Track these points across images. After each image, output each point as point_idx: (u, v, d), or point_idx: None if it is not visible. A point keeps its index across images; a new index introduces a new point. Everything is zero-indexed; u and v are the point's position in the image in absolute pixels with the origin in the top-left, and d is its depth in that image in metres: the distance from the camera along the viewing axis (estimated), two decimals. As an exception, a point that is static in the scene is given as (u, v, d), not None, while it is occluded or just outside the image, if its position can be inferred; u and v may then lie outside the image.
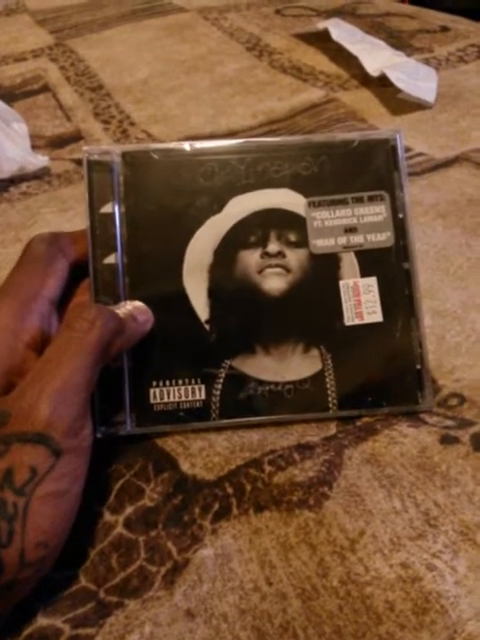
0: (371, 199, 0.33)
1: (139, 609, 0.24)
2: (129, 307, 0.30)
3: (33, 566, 0.22)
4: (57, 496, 0.23)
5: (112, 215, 0.31)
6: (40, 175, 0.56)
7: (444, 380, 0.33)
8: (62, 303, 0.31)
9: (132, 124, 0.63)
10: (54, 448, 0.23)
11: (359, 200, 0.32)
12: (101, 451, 0.29)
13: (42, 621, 0.24)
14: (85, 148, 0.32)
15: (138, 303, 0.30)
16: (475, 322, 0.37)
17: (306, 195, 0.32)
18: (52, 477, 0.23)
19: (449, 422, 0.31)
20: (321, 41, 0.75)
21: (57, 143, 0.61)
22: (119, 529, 0.27)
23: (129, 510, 0.27)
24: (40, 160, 0.56)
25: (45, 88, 0.72)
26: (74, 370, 0.24)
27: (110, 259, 0.31)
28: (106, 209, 0.32)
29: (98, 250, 0.31)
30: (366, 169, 0.33)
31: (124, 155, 0.32)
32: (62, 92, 0.70)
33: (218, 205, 0.32)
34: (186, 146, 0.32)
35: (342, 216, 0.32)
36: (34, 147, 0.59)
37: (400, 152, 0.33)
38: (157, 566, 0.25)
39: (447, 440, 0.29)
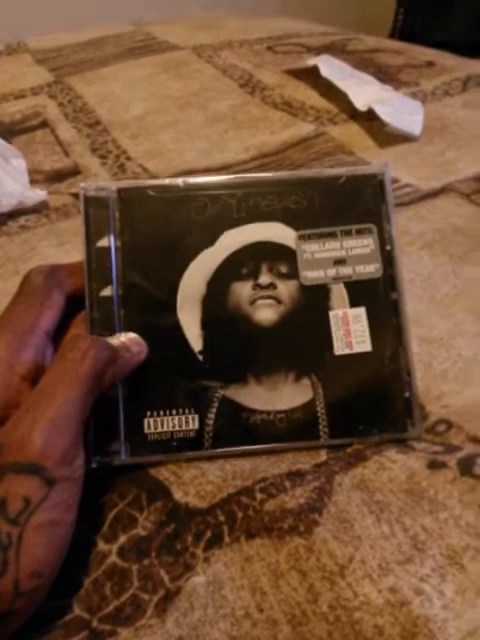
0: (359, 232, 0.34)
1: (132, 637, 0.24)
2: (123, 338, 0.30)
3: (28, 596, 0.23)
4: (51, 525, 0.24)
5: (108, 249, 0.32)
6: (38, 209, 0.57)
7: (431, 406, 0.34)
8: (58, 334, 0.31)
9: (129, 159, 0.65)
10: (47, 478, 0.24)
11: (348, 233, 0.34)
12: (95, 480, 0.29)
13: (36, 650, 0.24)
14: (82, 184, 0.33)
15: (132, 334, 0.31)
16: (461, 348, 0.38)
17: (296, 228, 0.33)
18: (45, 507, 0.23)
19: (437, 448, 0.31)
20: (311, 77, 0.78)
21: (55, 178, 0.63)
22: (113, 558, 0.27)
23: (122, 539, 0.28)
24: (38, 194, 0.57)
25: (44, 124, 0.74)
26: (67, 400, 0.25)
27: (106, 292, 0.32)
28: (102, 243, 0.33)
29: (94, 283, 0.32)
30: (354, 203, 0.34)
31: (119, 191, 0.33)
32: (60, 128, 0.72)
33: (211, 239, 0.33)
34: (179, 182, 0.34)
35: (331, 248, 0.33)
36: (33, 182, 0.61)
37: (387, 186, 0.34)
38: (150, 594, 0.26)
39: (435, 465, 0.30)
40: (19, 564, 0.22)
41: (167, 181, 0.34)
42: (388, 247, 0.33)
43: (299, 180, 0.34)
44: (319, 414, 0.32)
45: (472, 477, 0.29)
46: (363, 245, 0.33)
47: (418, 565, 0.25)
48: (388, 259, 0.33)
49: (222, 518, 0.28)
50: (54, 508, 0.24)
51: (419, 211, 0.51)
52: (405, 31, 1.85)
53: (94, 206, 0.33)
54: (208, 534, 0.28)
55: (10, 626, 0.23)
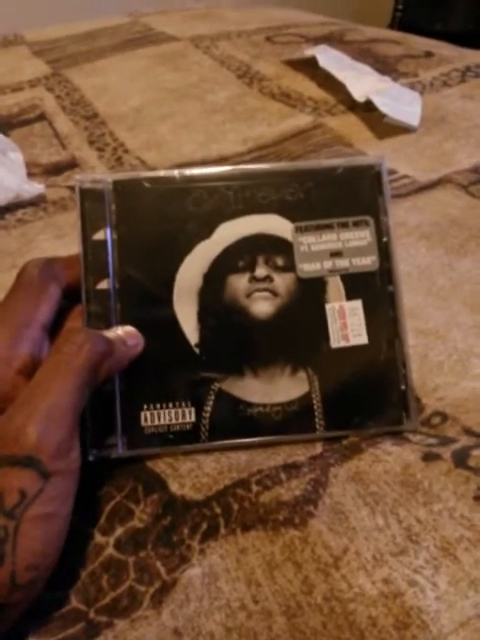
0: (356, 224, 0.33)
1: (128, 628, 0.24)
2: (119, 331, 0.30)
3: (24, 588, 0.23)
4: (47, 518, 0.24)
5: (104, 242, 0.32)
6: (36, 202, 0.57)
7: (427, 399, 0.34)
8: (55, 328, 0.31)
9: (126, 151, 0.64)
10: (42, 471, 0.24)
11: (344, 225, 0.33)
12: (92, 473, 0.29)
13: (33, 642, 0.24)
14: (77, 177, 0.33)
15: (128, 327, 0.31)
16: (457, 341, 0.38)
17: (293, 220, 0.33)
18: (41, 500, 0.23)
19: (432, 440, 0.31)
20: (309, 67, 0.77)
21: (53, 171, 0.63)
22: (109, 550, 0.27)
23: (119, 531, 0.28)
24: (36, 188, 0.57)
25: (41, 117, 0.74)
26: (62, 393, 0.25)
27: (102, 285, 0.32)
28: (98, 236, 0.32)
29: (90, 276, 0.32)
30: (351, 195, 0.34)
31: (115, 184, 0.33)
32: (58, 121, 0.72)
33: (207, 231, 0.33)
34: (176, 174, 0.33)
35: (328, 241, 0.33)
36: (30, 175, 0.61)
37: (384, 178, 0.34)
38: (146, 586, 0.26)
39: (429, 457, 0.30)
40: (15, 557, 0.23)
41: (163, 173, 0.34)
42: (385, 239, 0.33)
43: (296, 171, 0.34)
44: (315, 407, 0.32)
45: (467, 469, 0.29)
46: (360, 237, 0.33)
47: (412, 557, 0.25)
48: (385, 251, 0.33)
49: (218, 510, 0.28)
50: (50, 501, 0.24)
51: (416, 202, 0.51)
52: (404, 23, 1.83)
53: (90, 199, 0.33)
54: (204, 526, 0.28)
55: (6, 619, 0.23)
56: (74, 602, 0.26)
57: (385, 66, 0.78)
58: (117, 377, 0.31)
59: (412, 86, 0.72)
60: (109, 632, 0.24)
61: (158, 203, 0.33)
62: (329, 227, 0.33)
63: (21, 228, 0.54)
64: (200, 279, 0.33)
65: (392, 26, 1.86)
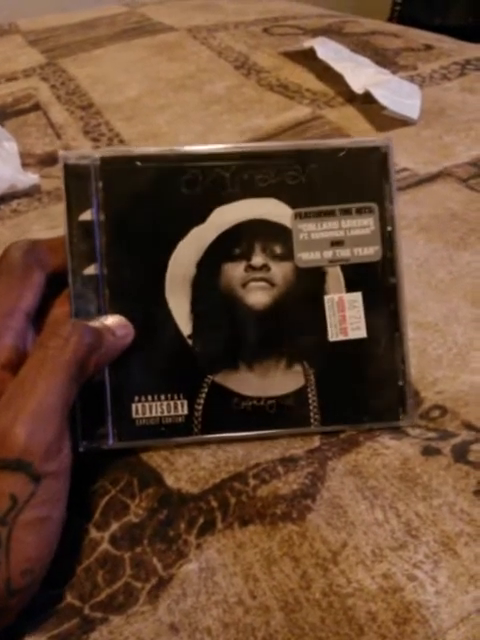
0: (359, 211, 0.32)
1: (123, 624, 0.24)
2: (108, 321, 0.29)
3: (20, 593, 0.22)
4: (40, 522, 0.23)
5: (91, 223, 0.30)
6: (30, 193, 0.56)
7: (426, 392, 0.34)
8: (40, 315, 0.30)
9: (122, 142, 0.64)
10: (33, 474, 0.23)
11: (347, 212, 0.32)
12: (86, 467, 0.29)
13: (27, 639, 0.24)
14: (62, 152, 0.30)
15: (117, 317, 0.30)
16: (456, 335, 0.37)
17: (293, 206, 0.31)
18: (33, 504, 0.23)
19: (431, 434, 0.31)
20: (308, 59, 0.76)
21: (47, 161, 0.62)
22: (105, 546, 0.27)
23: (114, 526, 0.27)
24: (30, 178, 0.56)
25: (36, 107, 0.73)
26: (49, 391, 0.24)
27: (89, 270, 0.30)
28: (85, 217, 0.30)
29: (76, 260, 0.30)
30: (355, 179, 0.32)
31: (103, 160, 0.31)
32: (52, 111, 0.71)
33: (202, 215, 0.31)
34: (169, 151, 0.31)
35: (329, 228, 0.32)
36: (24, 165, 0.60)
37: (390, 162, 0.32)
38: (142, 582, 0.25)
39: (429, 451, 0.30)
40: (9, 564, 0.22)
41: (155, 150, 0.31)
42: (389, 228, 0.32)
43: (297, 152, 0.32)
44: (310, 401, 0.31)
45: (466, 464, 0.29)
46: (363, 226, 0.32)
47: (412, 551, 0.25)
48: (388, 241, 0.32)
49: (215, 504, 0.28)
50: (42, 504, 0.23)
51: (416, 195, 0.50)
52: (403, 17, 1.82)
53: (76, 176, 0.30)
54: (201, 520, 0.27)
55: (2, 623, 0.23)
56: (69, 598, 0.25)
57: (384, 59, 0.78)
58: (107, 367, 0.30)
59: (411, 79, 0.71)
60: (104, 628, 0.24)
61: (149, 183, 0.31)
62: (331, 214, 0.32)
63: (15, 219, 0.53)
64: (193, 267, 0.31)
65: (391, 20, 1.86)
